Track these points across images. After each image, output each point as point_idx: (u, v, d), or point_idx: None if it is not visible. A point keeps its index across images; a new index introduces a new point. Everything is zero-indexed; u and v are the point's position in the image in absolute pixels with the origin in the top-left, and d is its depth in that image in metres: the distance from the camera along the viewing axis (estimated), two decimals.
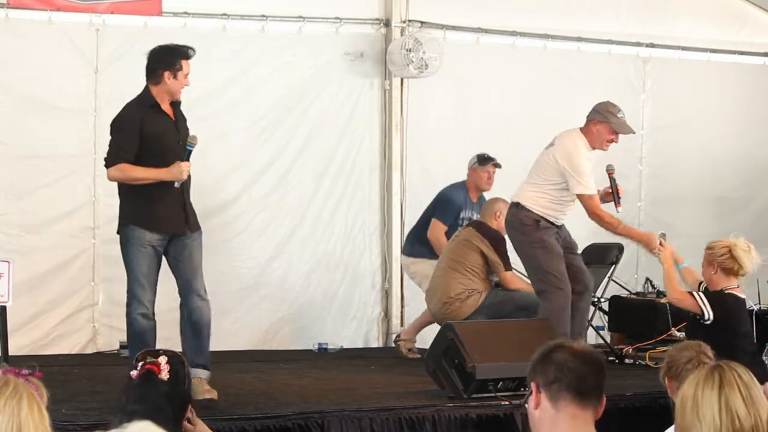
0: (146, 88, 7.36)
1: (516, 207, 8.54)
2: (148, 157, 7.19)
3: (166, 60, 7.25)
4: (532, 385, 3.43)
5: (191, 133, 7.38)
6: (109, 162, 7.24)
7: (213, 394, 7.03)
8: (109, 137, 7.36)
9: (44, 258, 9.94)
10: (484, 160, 10.32)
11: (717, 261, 7.62)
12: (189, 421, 4.37)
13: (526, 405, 3.48)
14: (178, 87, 7.28)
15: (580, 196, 8.36)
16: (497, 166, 10.30)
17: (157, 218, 7.22)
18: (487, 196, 10.33)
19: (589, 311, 8.74)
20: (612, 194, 8.57)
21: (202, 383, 7.02)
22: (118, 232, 7.38)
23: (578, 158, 8.35)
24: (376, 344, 11.07)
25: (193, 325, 7.32)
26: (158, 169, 7.15)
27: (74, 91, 10.05)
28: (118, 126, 7.30)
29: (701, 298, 7.62)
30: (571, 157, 8.36)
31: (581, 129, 8.52)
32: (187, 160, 7.23)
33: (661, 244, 8.14)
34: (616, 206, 8.44)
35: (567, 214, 8.56)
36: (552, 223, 8.46)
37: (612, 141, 8.45)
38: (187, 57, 7.30)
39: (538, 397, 3.39)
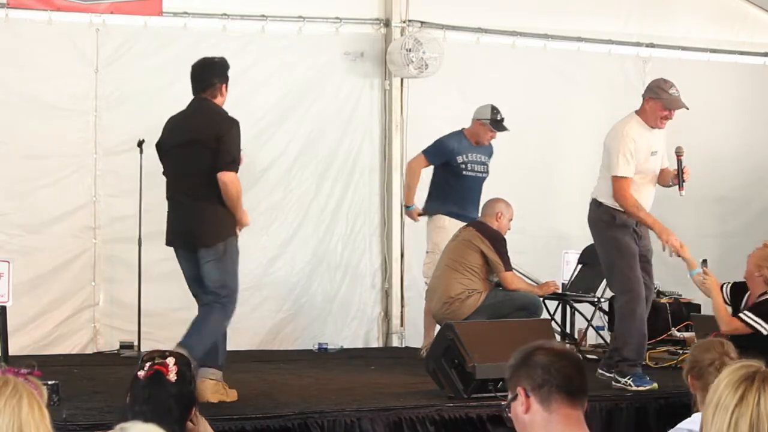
0: (211, 102, 7.38)
1: (594, 204, 8.19)
2: None
3: (223, 74, 7.45)
4: (519, 390, 3.38)
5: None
6: (233, 166, 7.23)
7: (232, 396, 7.25)
8: (228, 140, 7.25)
9: (45, 258, 9.94)
10: (498, 124, 10.04)
11: None
12: (191, 421, 4.37)
13: (508, 411, 3.42)
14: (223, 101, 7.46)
15: (612, 176, 8.05)
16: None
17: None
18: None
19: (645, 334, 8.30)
20: (677, 176, 8.30)
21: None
22: (209, 245, 7.30)
23: (618, 140, 8.04)
24: (376, 344, 11.08)
25: None
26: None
27: (74, 91, 10.06)
28: (237, 134, 7.32)
29: (749, 317, 7.57)
30: (612, 138, 8.12)
31: (637, 110, 8.24)
32: None
33: (704, 272, 8.03)
34: (679, 189, 8.25)
35: (649, 196, 8.18)
36: (630, 219, 8.04)
37: (666, 117, 8.21)
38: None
39: (528, 401, 3.37)
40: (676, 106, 8.21)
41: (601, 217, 8.10)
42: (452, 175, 9.96)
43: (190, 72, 7.55)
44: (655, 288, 10.37)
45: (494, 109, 10.04)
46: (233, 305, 7.37)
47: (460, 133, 10.14)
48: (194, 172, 7.25)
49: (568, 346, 9.73)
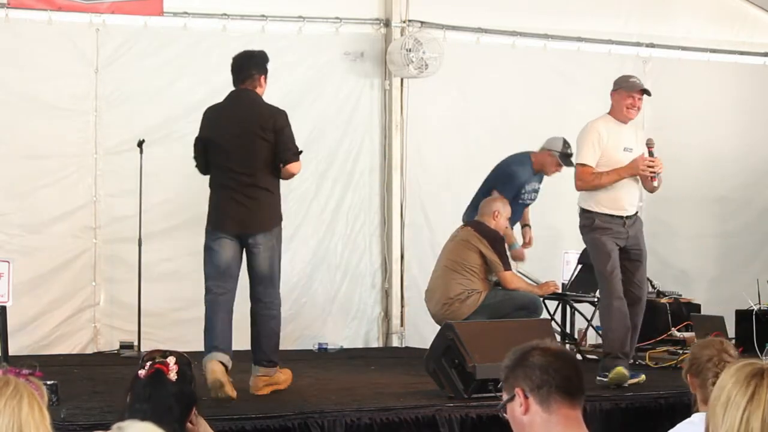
0: (251, 92, 7.65)
1: (579, 211, 8.42)
2: None
3: (262, 66, 7.70)
4: (518, 392, 3.36)
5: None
6: (298, 155, 7.58)
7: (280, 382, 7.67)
8: (281, 133, 7.54)
9: (45, 258, 9.95)
10: (566, 159, 9.94)
11: None
12: (191, 421, 4.37)
13: (504, 412, 3.41)
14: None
15: (575, 166, 8.33)
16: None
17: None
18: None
19: (636, 330, 8.38)
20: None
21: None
22: (270, 230, 7.64)
23: (583, 133, 8.29)
24: (376, 344, 11.08)
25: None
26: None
27: (74, 91, 10.06)
28: (289, 124, 7.62)
29: None
30: (579, 134, 8.35)
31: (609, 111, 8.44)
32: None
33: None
34: (651, 180, 8.32)
35: (630, 195, 8.28)
36: (612, 220, 8.21)
37: (632, 105, 8.32)
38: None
39: (527, 402, 3.36)
40: (633, 88, 8.32)
41: (584, 222, 8.33)
42: (510, 200, 9.90)
43: (231, 65, 7.76)
44: (656, 288, 10.40)
45: (566, 143, 9.98)
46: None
47: (528, 161, 10.01)
48: (253, 162, 7.51)
49: (568, 346, 9.74)
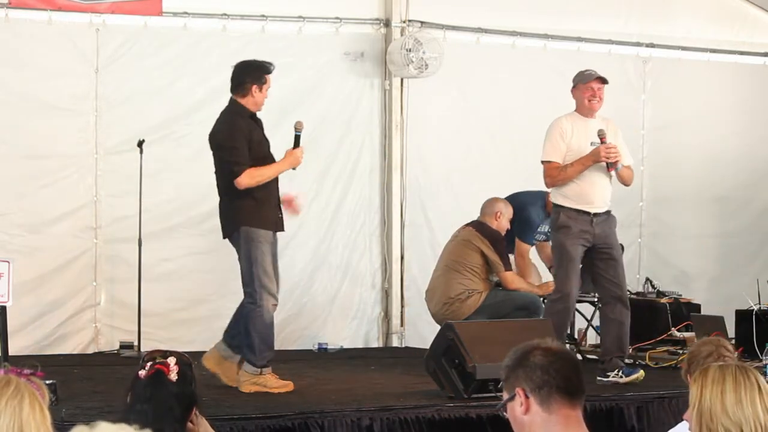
0: (235, 101, 7.82)
1: (552, 206, 8.52)
2: (254, 163, 7.72)
3: (253, 74, 7.79)
4: (518, 392, 3.37)
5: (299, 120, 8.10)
6: (238, 171, 7.64)
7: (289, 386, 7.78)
8: (220, 150, 7.77)
9: (46, 258, 9.95)
10: None
11: None
12: (191, 421, 4.38)
13: (504, 411, 3.42)
14: (262, 99, 7.84)
15: (542, 164, 8.38)
16: None
17: (270, 218, 7.81)
18: None
19: (624, 328, 8.45)
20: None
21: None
22: (228, 236, 7.81)
23: (547, 131, 8.40)
24: (376, 344, 11.08)
25: (269, 326, 7.78)
26: (277, 163, 7.78)
27: (74, 91, 10.06)
28: (228, 139, 7.73)
29: None
30: (546, 131, 8.44)
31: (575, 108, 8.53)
32: (298, 145, 7.85)
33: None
34: (608, 169, 8.34)
35: (600, 191, 8.30)
36: (578, 216, 8.24)
37: (593, 96, 8.36)
38: (270, 72, 7.89)
39: (528, 402, 3.37)
40: (587, 78, 8.40)
41: (553, 217, 8.45)
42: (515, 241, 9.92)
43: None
44: (656, 288, 10.41)
45: None
46: None
47: (540, 201, 9.86)
48: (216, 172, 7.87)
49: (567, 346, 9.74)
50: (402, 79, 11.06)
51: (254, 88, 7.78)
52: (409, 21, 11.08)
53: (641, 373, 8.25)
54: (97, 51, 10.09)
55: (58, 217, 10.01)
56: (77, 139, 10.05)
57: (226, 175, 7.70)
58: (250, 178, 7.63)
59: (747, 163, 12.39)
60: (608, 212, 8.41)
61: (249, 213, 7.69)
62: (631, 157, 8.58)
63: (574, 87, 8.49)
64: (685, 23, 12.18)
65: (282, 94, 10.70)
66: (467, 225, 9.78)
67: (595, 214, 8.29)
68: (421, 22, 11.10)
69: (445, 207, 11.08)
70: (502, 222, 9.66)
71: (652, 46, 12.02)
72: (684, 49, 12.13)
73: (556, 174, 8.25)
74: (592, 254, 8.31)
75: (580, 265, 8.39)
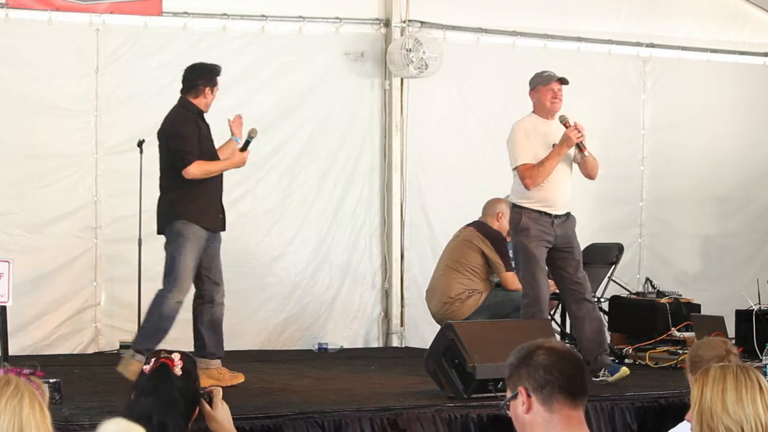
0: (186, 100, 8.07)
1: (511, 206, 8.48)
2: (200, 158, 7.92)
3: (206, 77, 8.07)
4: (521, 390, 3.37)
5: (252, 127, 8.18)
6: (189, 160, 7.84)
7: (240, 378, 7.91)
8: (171, 140, 7.95)
9: (46, 258, 9.95)
10: None
11: None
12: (210, 403, 4.37)
13: (507, 409, 3.43)
14: (211, 101, 8.11)
15: (515, 169, 8.28)
16: None
17: (208, 216, 7.92)
18: None
19: (596, 323, 8.35)
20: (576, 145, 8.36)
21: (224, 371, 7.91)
22: (162, 231, 7.99)
23: (511, 135, 8.34)
24: (376, 344, 11.08)
25: (213, 323, 8.03)
26: (224, 161, 8.04)
27: (74, 91, 10.07)
28: (180, 129, 7.97)
29: None
30: (508, 137, 8.39)
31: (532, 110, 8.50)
32: (246, 149, 8.07)
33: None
34: (581, 151, 8.27)
35: (561, 194, 8.24)
36: (540, 217, 8.22)
37: (554, 98, 8.32)
38: (220, 75, 8.19)
39: (529, 401, 3.37)
40: (548, 81, 8.36)
41: (513, 218, 8.35)
42: None
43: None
44: (656, 288, 10.40)
45: None
46: None
47: None
48: (160, 166, 8.09)
49: (568, 345, 9.73)
50: (402, 79, 11.06)
51: (207, 89, 8.02)
52: (409, 21, 11.09)
53: (624, 369, 8.16)
54: (97, 51, 10.09)
55: (58, 217, 10.02)
56: (77, 139, 10.06)
57: (174, 165, 7.88)
58: (198, 168, 7.83)
59: (747, 163, 12.39)
60: (568, 214, 8.34)
61: (186, 208, 7.86)
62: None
63: (532, 89, 8.43)
64: (685, 23, 12.18)
65: (282, 94, 10.73)
66: (468, 225, 9.78)
67: (556, 216, 8.24)
68: (421, 22, 11.11)
69: (445, 207, 11.09)
70: (504, 222, 9.65)
71: (652, 46, 12.02)
72: (684, 49, 12.13)
73: (533, 173, 8.15)
74: (554, 255, 8.29)
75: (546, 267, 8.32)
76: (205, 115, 8.12)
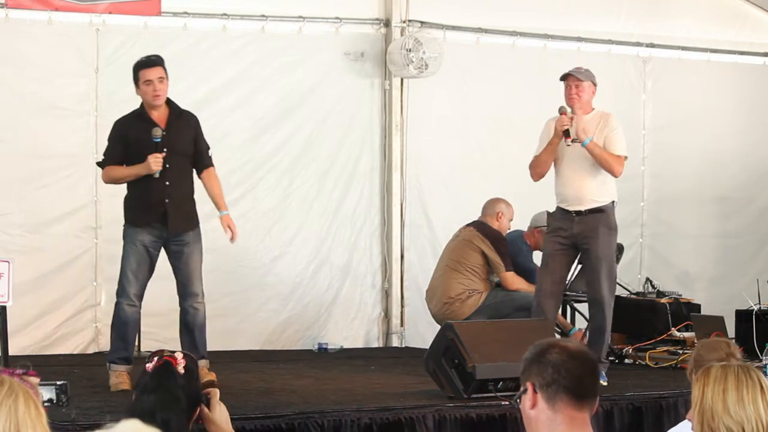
0: None
1: None
2: (133, 161, 7.82)
3: (134, 73, 7.98)
4: (528, 386, 3.41)
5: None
6: (100, 167, 8.02)
7: (212, 376, 7.67)
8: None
9: (46, 258, 9.95)
10: None
11: None
12: (208, 405, 4.37)
13: (518, 404, 3.46)
14: (150, 94, 7.90)
15: None
16: None
17: (140, 216, 7.82)
18: None
19: (598, 331, 8.23)
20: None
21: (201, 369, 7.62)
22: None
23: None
24: (376, 344, 11.08)
25: (186, 326, 7.98)
26: (133, 166, 7.81)
27: (74, 91, 10.06)
28: (110, 133, 8.04)
29: None
30: None
31: None
32: (158, 151, 7.74)
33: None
34: (566, 139, 8.24)
35: (577, 190, 8.21)
36: (564, 215, 8.22)
37: (569, 94, 8.41)
38: (146, 66, 7.97)
39: (535, 397, 3.39)
40: (564, 76, 8.50)
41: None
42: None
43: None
44: (656, 288, 10.40)
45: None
46: None
47: (522, 241, 9.91)
48: None
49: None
50: (402, 79, 11.06)
51: (137, 86, 7.95)
52: (409, 21, 11.08)
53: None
54: (97, 51, 10.09)
55: (58, 217, 10.01)
56: (77, 139, 10.05)
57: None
58: (105, 174, 7.94)
59: (747, 163, 12.39)
60: (593, 210, 8.19)
61: (127, 212, 7.91)
62: (621, 148, 8.37)
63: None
64: (685, 23, 12.18)
65: (282, 94, 10.73)
66: (468, 225, 9.78)
67: (577, 213, 8.18)
68: (421, 22, 11.10)
69: (445, 207, 11.08)
70: (504, 222, 9.66)
71: (652, 46, 12.02)
72: (684, 49, 12.13)
73: (532, 164, 8.39)
74: (575, 253, 8.31)
75: (555, 262, 8.28)
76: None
